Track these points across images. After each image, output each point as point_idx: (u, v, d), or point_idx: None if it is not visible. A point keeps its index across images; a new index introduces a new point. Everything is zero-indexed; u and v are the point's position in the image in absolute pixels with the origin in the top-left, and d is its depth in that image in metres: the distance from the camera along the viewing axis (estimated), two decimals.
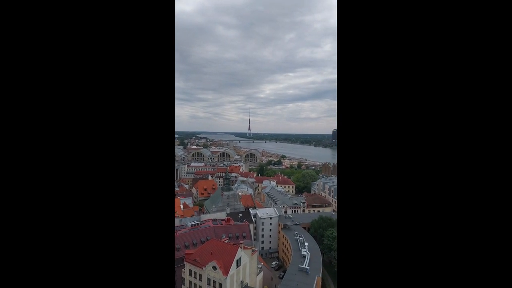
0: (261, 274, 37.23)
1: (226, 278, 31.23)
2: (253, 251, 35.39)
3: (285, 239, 50.21)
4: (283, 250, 52.06)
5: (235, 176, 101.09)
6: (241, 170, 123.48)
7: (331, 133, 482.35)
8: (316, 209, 68.26)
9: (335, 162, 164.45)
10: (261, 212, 56.50)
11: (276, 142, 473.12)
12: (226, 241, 37.83)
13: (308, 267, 37.44)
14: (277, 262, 51.55)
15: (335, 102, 2.66)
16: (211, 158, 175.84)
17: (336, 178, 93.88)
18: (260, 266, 37.74)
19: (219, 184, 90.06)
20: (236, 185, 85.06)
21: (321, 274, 38.27)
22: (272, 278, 41.52)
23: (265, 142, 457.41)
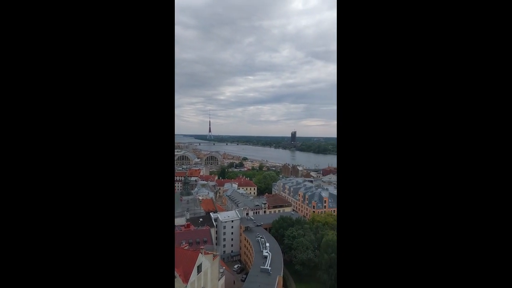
0: (223, 279, 36.69)
1: (186, 286, 30.13)
2: (214, 256, 34.71)
3: (247, 241, 50.28)
4: (245, 253, 52.05)
5: (195, 180, 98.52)
6: (201, 173, 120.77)
7: (290, 135, 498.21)
8: (277, 210, 69.64)
9: (294, 163, 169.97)
10: (222, 216, 55.82)
11: (237, 144, 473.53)
12: (186, 248, 36.53)
13: (269, 268, 37.93)
14: (239, 265, 51.33)
15: (294, 105, 2.65)
16: None
17: (295, 178, 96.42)
18: (222, 270, 37.17)
19: (178, 189, 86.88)
20: (196, 189, 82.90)
21: (282, 273, 39.05)
22: (234, 282, 41.18)
23: (227, 144, 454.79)
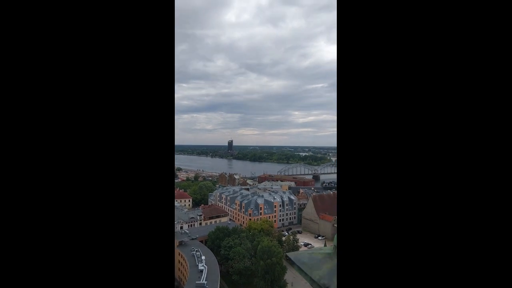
0: None
1: None
2: None
3: (181, 257, 47.70)
4: (179, 269, 49.19)
5: None
6: None
7: (226, 144, 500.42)
8: (213, 220, 68.28)
9: (231, 171, 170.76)
10: None
11: None
12: None
13: (205, 282, 36.63)
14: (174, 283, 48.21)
15: (229, 115, 2.72)
16: None
17: (232, 187, 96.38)
18: None
19: None
20: None
21: (218, 285, 38.16)
22: None
23: None
